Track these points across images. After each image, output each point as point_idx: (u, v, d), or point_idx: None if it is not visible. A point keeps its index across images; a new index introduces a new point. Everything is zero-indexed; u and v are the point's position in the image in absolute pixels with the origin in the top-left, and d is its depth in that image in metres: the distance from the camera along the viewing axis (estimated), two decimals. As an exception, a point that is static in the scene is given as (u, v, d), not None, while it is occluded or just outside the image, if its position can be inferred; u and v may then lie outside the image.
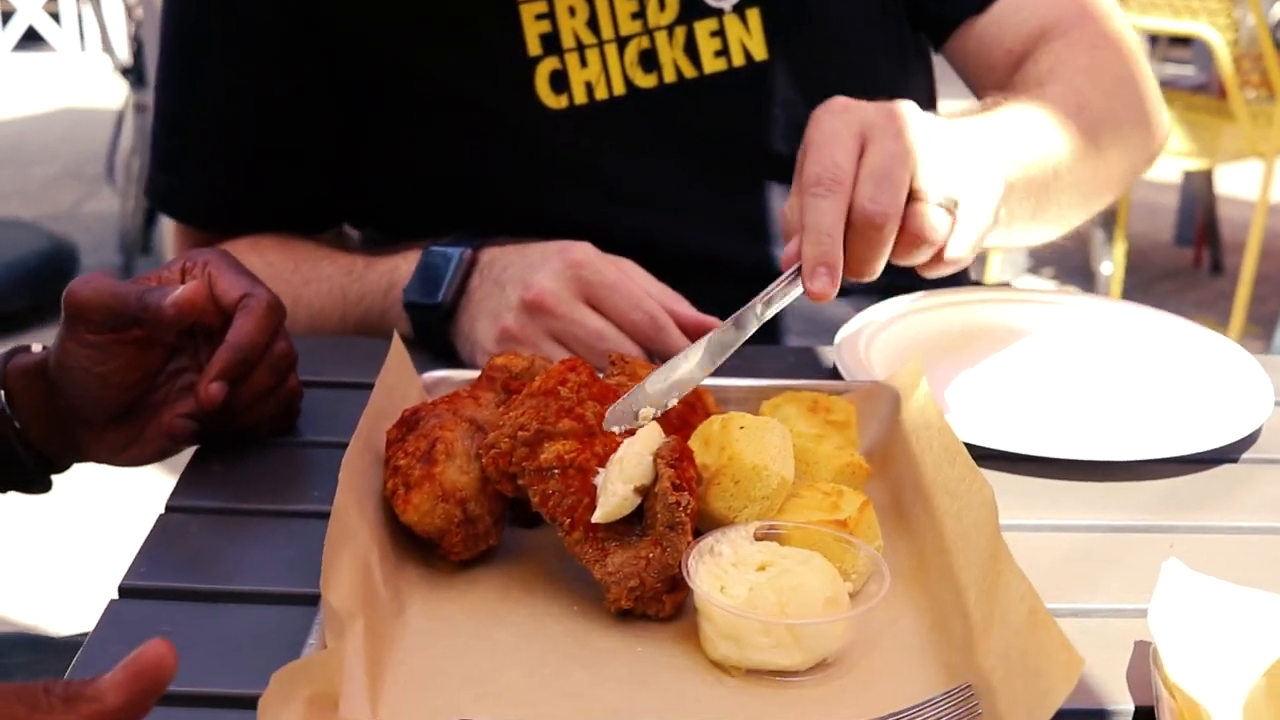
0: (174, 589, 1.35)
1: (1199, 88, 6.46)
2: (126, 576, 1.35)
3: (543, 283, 1.68)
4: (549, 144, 1.95)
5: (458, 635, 1.28)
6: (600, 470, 1.31)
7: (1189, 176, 6.87)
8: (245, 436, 1.59)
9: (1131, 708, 1.21)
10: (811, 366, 1.79)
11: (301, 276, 1.98)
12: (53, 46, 10.67)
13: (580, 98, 1.81)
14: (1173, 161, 5.82)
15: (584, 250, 1.69)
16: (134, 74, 6.28)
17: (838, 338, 1.78)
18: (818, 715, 1.18)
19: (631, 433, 1.33)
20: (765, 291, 1.46)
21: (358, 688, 1.17)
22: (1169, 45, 8.50)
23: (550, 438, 1.32)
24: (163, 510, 1.48)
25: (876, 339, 1.80)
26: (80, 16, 10.60)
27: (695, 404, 1.50)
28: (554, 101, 1.90)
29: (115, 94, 7.45)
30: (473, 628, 1.30)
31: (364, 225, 2.22)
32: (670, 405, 1.35)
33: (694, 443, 1.39)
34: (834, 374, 1.73)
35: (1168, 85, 6.37)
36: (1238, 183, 7.30)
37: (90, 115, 8.95)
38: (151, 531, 1.43)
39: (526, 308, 1.68)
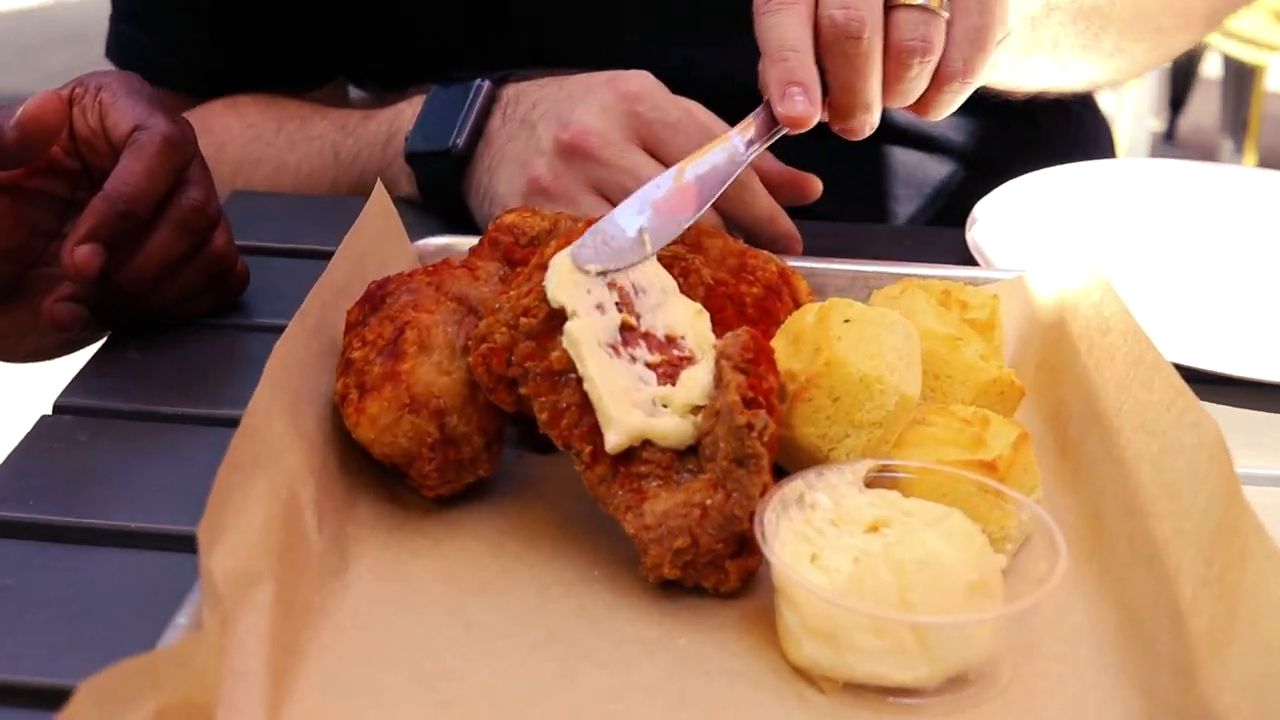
0: (28, 523, 0.96)
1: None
2: (-33, 504, 0.96)
3: (585, 120, 1.26)
4: None
5: (420, 607, 0.88)
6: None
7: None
8: (169, 319, 1.18)
9: None
10: (937, 250, 1.36)
11: (287, 138, 1.57)
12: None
13: None
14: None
15: (640, 80, 1.27)
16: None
17: (973, 215, 1.34)
18: (951, 759, 0.76)
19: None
20: (743, 123, 1.08)
21: (250, 689, 0.77)
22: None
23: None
24: (48, 411, 1.08)
25: (1022, 220, 1.36)
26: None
27: (779, 287, 1.07)
28: None
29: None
30: (444, 597, 0.89)
31: (363, 79, 1.80)
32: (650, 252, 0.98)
33: (778, 341, 0.97)
34: (967, 262, 1.29)
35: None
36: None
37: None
38: (22, 442, 1.04)
39: (563, 151, 1.26)
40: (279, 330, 1.11)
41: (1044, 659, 0.85)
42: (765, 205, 1.26)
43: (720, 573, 0.89)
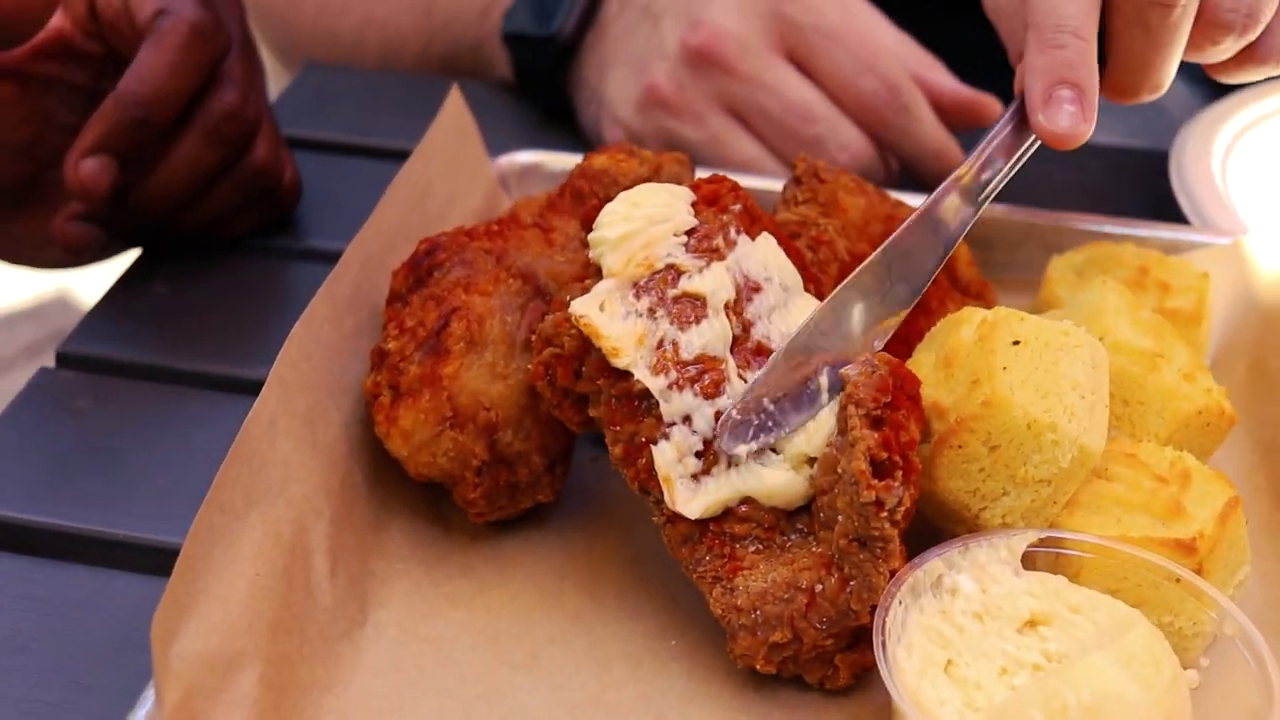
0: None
1: None
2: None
3: (722, 20, 1.03)
4: None
5: (449, 686, 0.71)
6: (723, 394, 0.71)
7: None
8: (205, 239, 1.01)
9: None
10: (1130, 183, 1.12)
11: None
12: None
13: None
14: None
15: None
16: None
17: (1177, 142, 1.10)
18: None
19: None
20: (977, 151, 0.82)
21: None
22: None
23: (654, 335, 0.71)
24: (52, 363, 0.92)
25: (1241, 148, 1.12)
26: None
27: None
28: None
29: None
30: (481, 672, 0.72)
31: None
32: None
33: (923, 357, 0.76)
34: (1166, 206, 1.05)
35: None
36: None
37: None
38: (13, 403, 0.88)
39: (692, 58, 1.04)
40: (329, 256, 0.92)
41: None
42: (933, 137, 1.03)
43: (828, 667, 0.70)
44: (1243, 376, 0.89)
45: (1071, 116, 0.77)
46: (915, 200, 0.91)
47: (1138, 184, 1.13)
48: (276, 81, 1.36)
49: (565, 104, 1.17)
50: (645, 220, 0.72)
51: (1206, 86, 1.26)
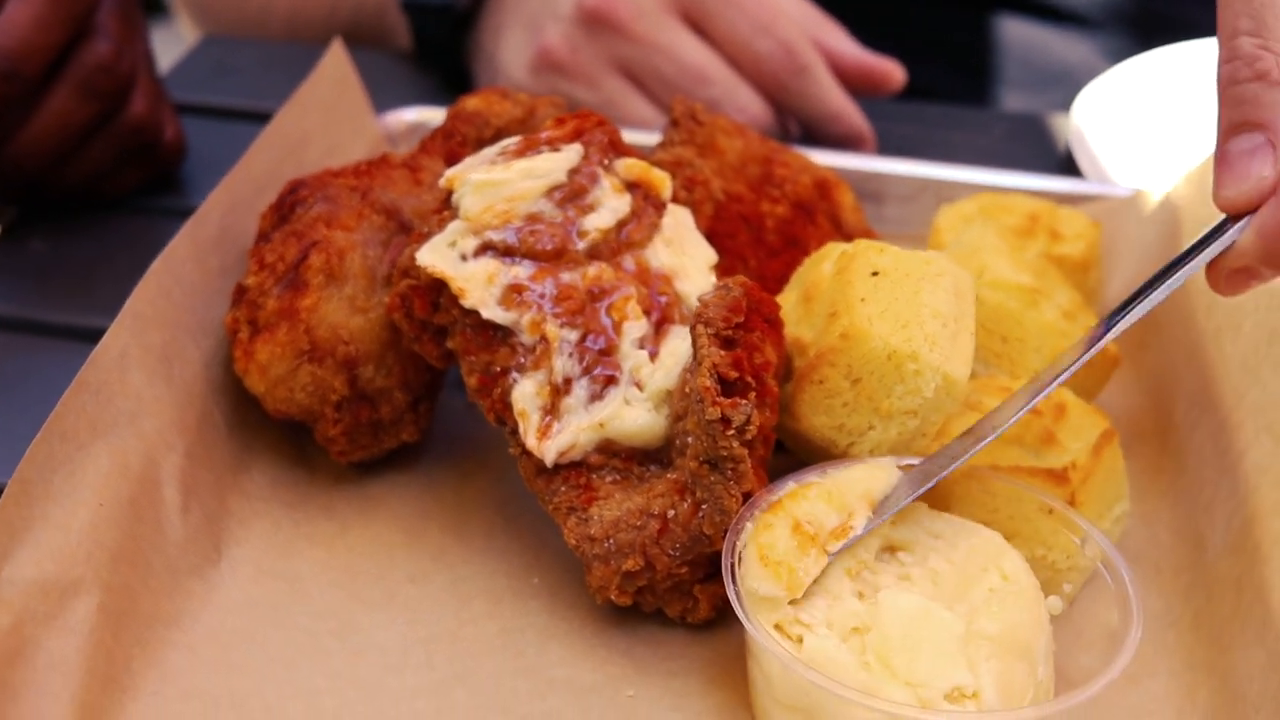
0: None
1: None
2: None
3: None
4: None
5: (303, 622, 0.69)
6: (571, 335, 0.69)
7: None
8: (86, 199, 0.99)
9: None
10: (1030, 147, 1.12)
11: None
12: None
13: None
14: None
15: None
16: None
17: (1080, 101, 1.10)
18: None
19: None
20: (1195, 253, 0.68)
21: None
22: None
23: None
24: (-78, 312, 0.90)
25: (1141, 108, 1.11)
26: None
27: (812, 204, 0.85)
28: None
29: None
30: (336, 608, 0.70)
31: None
32: None
33: (788, 295, 0.75)
34: (1066, 165, 1.04)
35: None
36: None
37: None
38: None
39: (586, 19, 1.03)
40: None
41: (1104, 750, 0.64)
42: (831, 100, 1.02)
43: (688, 600, 0.68)
44: (1135, 326, 0.88)
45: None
46: (815, 155, 0.90)
47: (1039, 147, 1.12)
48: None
49: (464, 72, 1.16)
50: (521, 173, 0.71)
51: (1112, 52, 1.26)
